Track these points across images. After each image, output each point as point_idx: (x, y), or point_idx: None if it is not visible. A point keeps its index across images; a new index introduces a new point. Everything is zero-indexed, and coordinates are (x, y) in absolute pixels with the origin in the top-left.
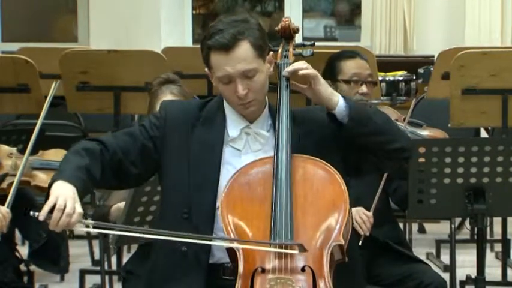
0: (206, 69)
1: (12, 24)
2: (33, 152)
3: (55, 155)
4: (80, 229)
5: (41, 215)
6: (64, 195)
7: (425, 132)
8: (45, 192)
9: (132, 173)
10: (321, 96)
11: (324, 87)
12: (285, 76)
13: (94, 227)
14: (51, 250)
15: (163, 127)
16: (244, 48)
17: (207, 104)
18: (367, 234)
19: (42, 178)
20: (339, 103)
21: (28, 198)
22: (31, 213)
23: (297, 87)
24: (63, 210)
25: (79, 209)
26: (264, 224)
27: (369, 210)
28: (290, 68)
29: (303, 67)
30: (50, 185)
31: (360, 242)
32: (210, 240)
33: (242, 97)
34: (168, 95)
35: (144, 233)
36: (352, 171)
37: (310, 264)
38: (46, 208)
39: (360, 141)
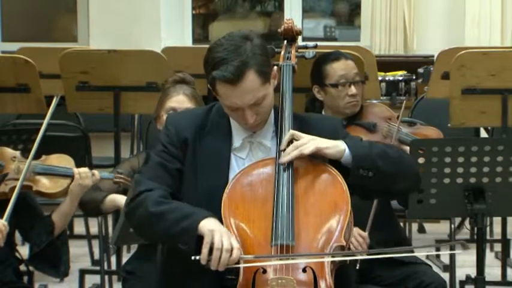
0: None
1: (12, 24)
2: (36, 156)
3: (58, 160)
4: (241, 266)
5: (203, 259)
6: (218, 231)
7: (410, 130)
8: (46, 197)
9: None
10: (328, 155)
11: (326, 146)
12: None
13: (254, 262)
14: (52, 254)
15: (177, 141)
16: (250, 79)
17: (212, 109)
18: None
19: (44, 184)
20: (345, 152)
21: (29, 202)
22: (192, 258)
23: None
24: (222, 248)
25: (236, 243)
26: (266, 224)
27: (367, 219)
28: (286, 158)
29: (295, 154)
30: (194, 228)
31: (358, 265)
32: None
33: (250, 124)
34: (180, 95)
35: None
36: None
37: (312, 264)
38: (205, 250)
39: (364, 183)
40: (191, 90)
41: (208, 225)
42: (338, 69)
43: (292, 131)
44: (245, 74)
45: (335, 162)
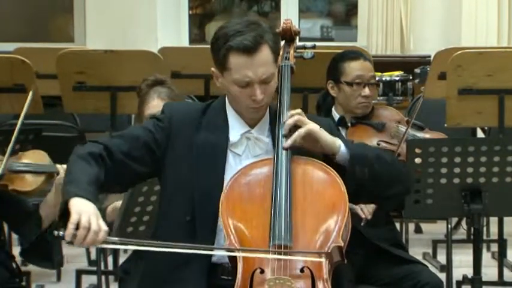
0: (213, 69)
1: (9, 24)
2: (13, 153)
3: (33, 156)
4: (105, 246)
5: (67, 235)
6: (87, 213)
7: (421, 135)
8: (23, 195)
9: (133, 171)
10: (322, 145)
11: (323, 136)
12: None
13: (121, 244)
14: (43, 247)
15: (169, 128)
16: (266, 53)
17: (209, 107)
18: (369, 217)
19: (19, 182)
20: (341, 148)
21: (13, 196)
22: (55, 232)
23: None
24: (89, 228)
25: (104, 226)
26: (264, 225)
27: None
28: (289, 142)
29: (295, 138)
30: (66, 200)
31: (362, 223)
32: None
33: (258, 101)
34: (155, 100)
35: (166, 247)
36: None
37: (309, 265)
38: (71, 226)
39: (359, 183)
40: (166, 92)
41: (77, 205)
42: (355, 68)
43: (297, 116)
44: (262, 45)
45: (329, 163)
